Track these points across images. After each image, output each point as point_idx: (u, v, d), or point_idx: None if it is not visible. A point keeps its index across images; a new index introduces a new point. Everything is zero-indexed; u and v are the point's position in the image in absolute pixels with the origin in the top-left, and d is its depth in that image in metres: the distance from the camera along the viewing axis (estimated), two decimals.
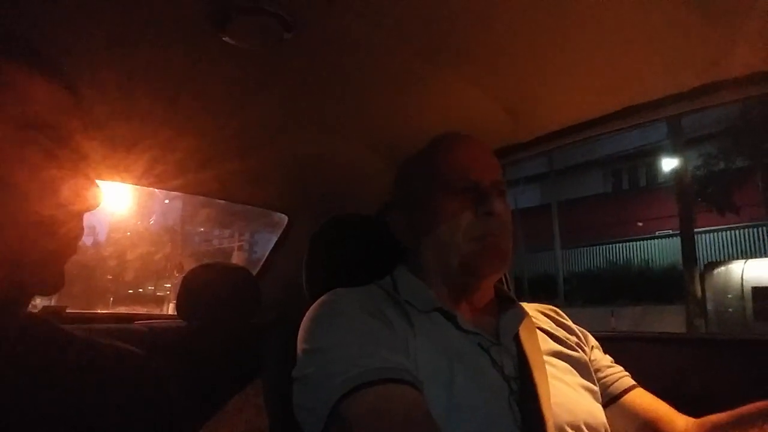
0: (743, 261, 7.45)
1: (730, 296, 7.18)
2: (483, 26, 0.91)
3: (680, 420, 0.85)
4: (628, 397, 0.90)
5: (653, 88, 1.07)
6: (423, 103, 1.19)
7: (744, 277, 7.07)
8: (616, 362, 0.97)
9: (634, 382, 0.92)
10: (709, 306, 7.55)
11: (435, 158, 0.91)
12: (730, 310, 7.16)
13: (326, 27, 0.92)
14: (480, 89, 1.12)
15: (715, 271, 7.56)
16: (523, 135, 1.31)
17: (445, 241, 0.85)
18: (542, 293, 12.03)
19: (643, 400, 0.89)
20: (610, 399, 0.90)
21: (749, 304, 6.95)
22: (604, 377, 0.92)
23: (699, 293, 8.36)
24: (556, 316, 0.99)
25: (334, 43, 0.96)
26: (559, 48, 0.96)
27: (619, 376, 0.93)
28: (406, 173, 0.97)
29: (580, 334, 0.97)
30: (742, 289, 7.03)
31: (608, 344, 1.01)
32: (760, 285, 6.89)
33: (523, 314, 0.88)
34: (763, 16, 0.82)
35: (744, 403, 0.76)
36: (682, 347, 1.21)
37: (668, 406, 0.88)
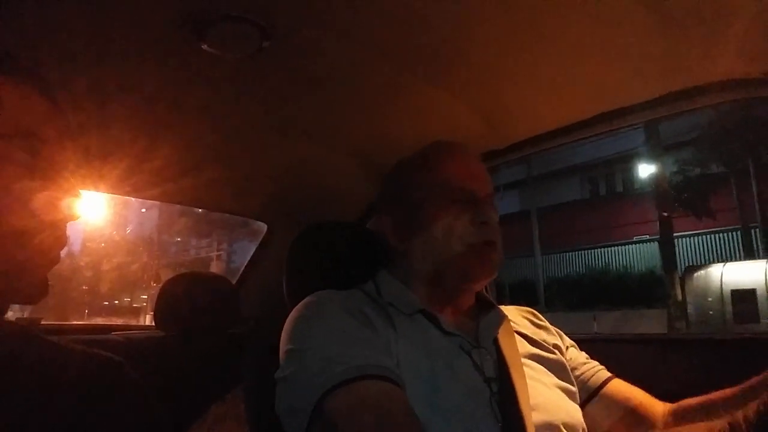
0: (722, 264, 7.58)
1: (710, 299, 7.27)
2: (459, 38, 0.93)
3: (658, 406, 0.89)
4: (607, 389, 0.92)
5: (624, 95, 1.10)
6: (401, 112, 1.21)
7: (723, 281, 7.18)
8: (603, 364, 0.98)
9: (610, 374, 0.94)
10: (690, 309, 7.64)
11: (433, 164, 0.92)
12: (711, 312, 7.25)
13: (305, 36, 0.92)
14: (456, 98, 1.14)
15: (695, 275, 7.65)
16: (499, 142, 1.33)
17: (439, 244, 0.86)
18: (523, 299, 12.07)
19: (621, 390, 0.92)
20: (589, 394, 0.92)
21: (729, 307, 7.05)
22: (582, 374, 0.94)
23: (679, 297, 8.51)
24: (534, 318, 1.00)
25: (313, 51, 0.97)
26: (532, 57, 0.98)
27: (596, 370, 0.95)
28: (400, 176, 0.97)
29: (556, 335, 0.99)
30: (722, 293, 7.13)
31: (589, 347, 1.02)
32: (739, 288, 7.01)
33: (502, 318, 0.90)
34: (731, 25, 0.85)
35: None
36: (663, 347, 1.24)
37: (646, 393, 0.91)
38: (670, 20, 0.86)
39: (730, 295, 7.03)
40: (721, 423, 0.50)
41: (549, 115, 1.21)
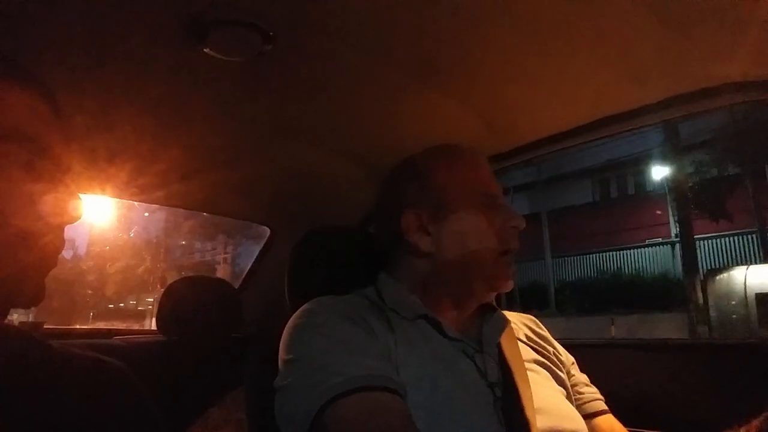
0: (745, 267, 7.38)
1: (733, 303, 7.08)
2: (461, 42, 0.93)
3: None
4: (597, 421, 0.92)
5: (627, 99, 1.09)
6: (402, 116, 1.20)
7: (747, 284, 7.00)
8: (604, 369, 0.98)
9: (605, 407, 0.94)
10: (712, 313, 7.46)
11: (462, 165, 0.90)
12: (734, 316, 7.09)
13: (306, 39, 0.92)
14: (458, 102, 1.13)
15: (717, 278, 7.45)
16: (502, 146, 1.33)
17: (471, 245, 0.84)
18: (533, 302, 12.01)
19: (610, 426, 0.92)
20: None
21: (753, 311, 6.88)
22: (579, 395, 0.94)
23: (701, 300, 8.36)
24: (536, 327, 1.00)
25: (315, 55, 0.97)
26: (535, 61, 0.97)
27: (594, 397, 0.95)
28: (425, 173, 0.91)
29: (558, 348, 0.98)
30: (746, 296, 6.96)
31: (595, 351, 1.02)
32: (764, 291, 6.81)
33: (506, 322, 0.89)
34: (736, 28, 0.84)
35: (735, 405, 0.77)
36: (678, 353, 1.22)
37: None
38: (674, 24, 0.85)
39: (754, 298, 6.84)
40: None
41: (552, 119, 1.20)
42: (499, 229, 0.84)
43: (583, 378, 0.97)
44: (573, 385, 0.93)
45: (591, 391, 0.95)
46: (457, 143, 0.96)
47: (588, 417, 0.91)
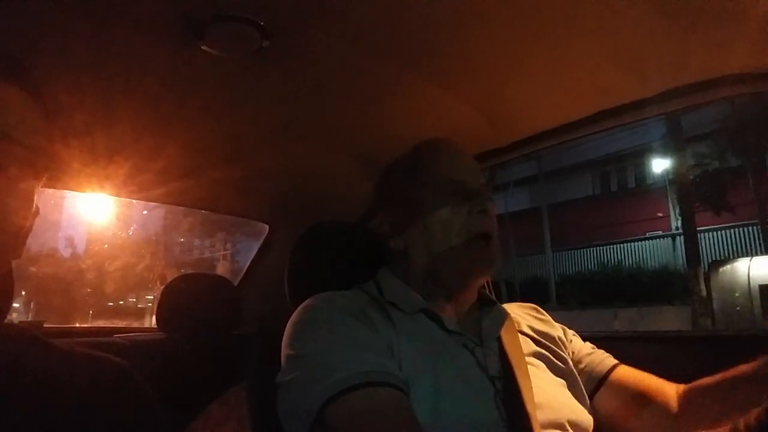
0: (749, 259, 7.39)
1: (737, 295, 7.07)
2: (459, 36, 0.92)
3: (670, 387, 0.87)
4: (614, 376, 0.91)
5: (626, 92, 1.09)
6: (402, 111, 1.20)
7: (751, 275, 7.00)
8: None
9: (616, 362, 0.93)
10: (716, 305, 7.45)
11: (424, 160, 0.92)
12: (738, 308, 7.09)
13: (305, 35, 0.92)
14: (457, 96, 1.13)
15: (720, 270, 7.43)
16: (501, 140, 1.33)
17: (437, 238, 0.85)
18: (534, 297, 11.92)
19: (628, 375, 0.91)
20: (597, 382, 0.91)
21: (757, 302, 6.88)
22: (587, 364, 0.93)
23: (704, 292, 8.34)
24: (536, 314, 1.00)
25: (314, 51, 0.97)
26: (533, 55, 0.97)
27: (602, 358, 0.94)
28: (393, 176, 0.97)
29: (558, 328, 0.98)
30: (749, 287, 6.95)
31: (607, 344, 1.01)
32: None
33: (505, 316, 0.89)
34: (736, 20, 0.84)
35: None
36: (684, 345, 1.21)
37: (656, 377, 0.89)
38: (674, 16, 0.84)
39: (758, 290, 6.83)
40: (723, 430, 0.50)
41: (551, 113, 1.20)
42: (465, 218, 0.84)
43: (587, 348, 0.97)
44: (578, 360, 0.93)
45: (597, 355, 0.95)
46: (454, 138, 0.98)
47: (604, 378, 0.91)
